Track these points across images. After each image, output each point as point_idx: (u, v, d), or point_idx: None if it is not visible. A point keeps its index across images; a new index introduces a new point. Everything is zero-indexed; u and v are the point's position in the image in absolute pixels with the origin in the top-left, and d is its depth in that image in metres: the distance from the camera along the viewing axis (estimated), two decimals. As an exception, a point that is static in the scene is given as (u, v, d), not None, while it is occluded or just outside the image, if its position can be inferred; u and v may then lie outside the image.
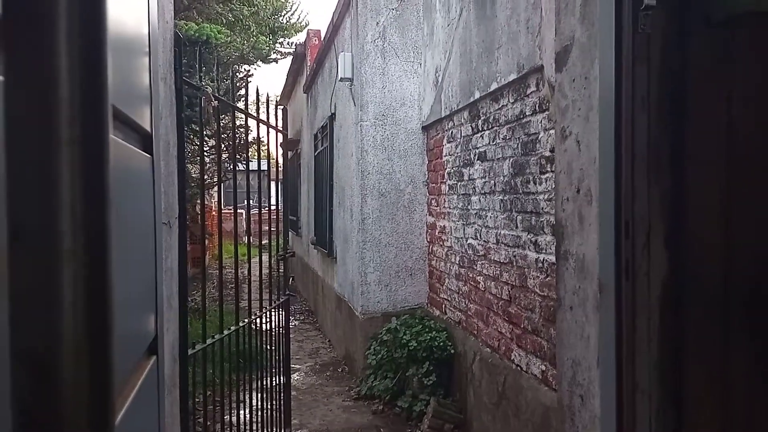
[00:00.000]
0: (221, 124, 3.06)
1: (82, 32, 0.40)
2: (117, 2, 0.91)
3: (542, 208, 3.19)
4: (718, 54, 1.96)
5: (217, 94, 2.85)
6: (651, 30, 1.81)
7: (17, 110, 0.38)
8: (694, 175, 1.91)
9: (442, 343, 4.67)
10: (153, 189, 1.31)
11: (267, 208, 3.89)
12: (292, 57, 11.64)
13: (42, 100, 0.38)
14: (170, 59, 2.34)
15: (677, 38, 1.91)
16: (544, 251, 3.15)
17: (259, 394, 3.38)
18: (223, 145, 5.70)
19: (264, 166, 4.22)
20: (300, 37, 15.53)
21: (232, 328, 2.90)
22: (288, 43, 16.59)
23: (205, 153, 6.91)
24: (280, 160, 4.27)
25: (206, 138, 6.97)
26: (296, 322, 8.76)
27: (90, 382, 0.39)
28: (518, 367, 3.47)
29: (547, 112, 3.17)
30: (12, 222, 0.37)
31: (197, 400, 3.19)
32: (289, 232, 12.53)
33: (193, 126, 6.18)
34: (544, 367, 3.13)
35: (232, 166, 5.31)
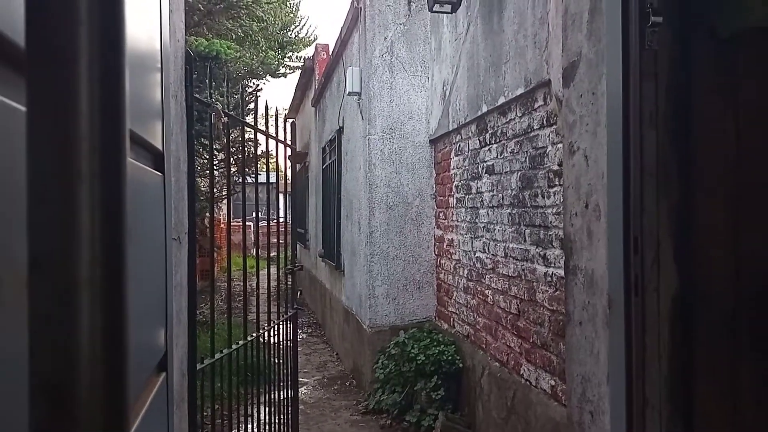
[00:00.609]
0: (231, 138, 3.09)
1: (102, 64, 0.42)
2: (132, 22, 0.93)
3: (551, 222, 3.19)
4: (725, 69, 1.97)
5: (226, 110, 2.88)
6: (658, 46, 1.82)
7: (39, 141, 0.39)
8: (703, 190, 1.91)
9: (450, 357, 4.65)
10: (164, 206, 1.33)
11: (275, 221, 3.91)
12: (300, 71, 11.74)
13: (62, 131, 0.39)
14: (181, 76, 2.37)
15: (684, 54, 1.91)
16: (552, 265, 3.14)
17: (267, 408, 3.37)
18: (232, 159, 5.75)
19: (273, 179, 4.24)
20: (308, 52, 15.67)
21: (241, 342, 2.91)
22: (296, 58, 16.74)
23: (215, 167, 6.97)
24: (289, 174, 4.30)
25: (216, 152, 7.02)
26: (304, 335, 8.75)
27: (106, 408, 0.39)
28: (527, 382, 3.45)
29: (554, 126, 3.18)
30: (32, 251, 0.39)
31: (205, 414, 3.19)
32: (298, 245, 12.56)
33: (202, 140, 6.23)
34: (553, 382, 3.11)
35: (240, 180, 5.34)
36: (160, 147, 1.28)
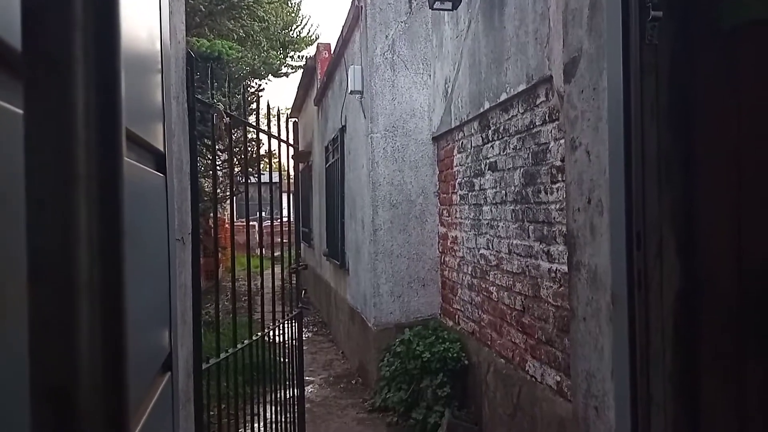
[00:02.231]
0: (233, 138, 3.10)
1: (98, 66, 0.42)
2: (131, 25, 0.94)
3: (554, 218, 3.18)
4: (726, 63, 1.96)
5: (228, 110, 2.89)
6: (658, 41, 1.81)
7: (36, 144, 0.39)
8: (705, 185, 1.90)
9: (455, 354, 4.65)
10: (166, 207, 1.34)
11: (279, 220, 3.91)
12: (302, 70, 11.75)
13: (59, 134, 0.40)
14: (182, 78, 2.37)
15: (685, 48, 1.91)
16: (556, 261, 3.14)
17: (273, 407, 3.38)
18: (235, 159, 5.76)
19: (276, 179, 4.25)
20: (310, 51, 15.67)
21: (246, 342, 2.92)
22: (298, 57, 16.74)
23: (218, 167, 6.98)
24: (292, 173, 4.30)
25: (219, 152, 7.04)
26: (309, 334, 8.76)
27: (106, 412, 0.40)
28: (533, 378, 3.45)
29: (557, 122, 3.17)
30: (31, 254, 0.39)
31: (212, 413, 3.20)
32: (302, 244, 12.56)
33: (205, 141, 6.25)
34: (558, 378, 3.11)
35: (243, 180, 5.36)
36: (161, 148, 1.29)
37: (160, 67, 1.31)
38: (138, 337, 0.87)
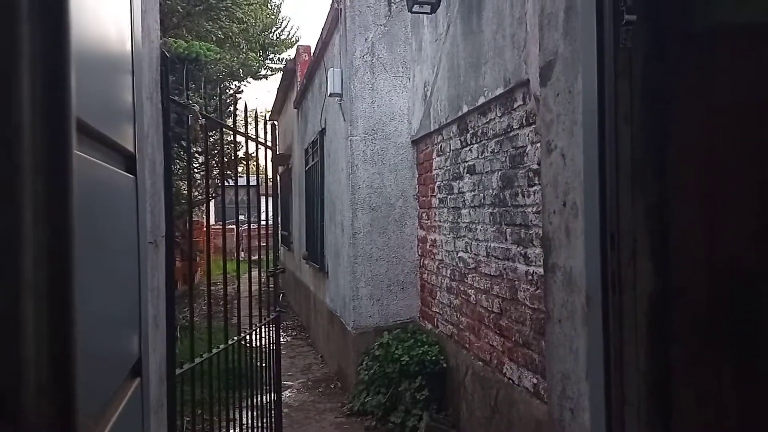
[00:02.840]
0: (211, 141, 3.06)
1: (45, 60, 0.40)
2: (97, 24, 0.91)
3: (531, 221, 3.20)
4: (700, 66, 1.99)
5: (204, 112, 2.85)
6: (632, 44, 1.83)
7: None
8: (679, 187, 1.93)
9: (434, 357, 4.65)
10: (137, 209, 1.31)
11: (258, 224, 3.88)
12: (282, 73, 11.69)
13: (2, 126, 0.38)
14: (156, 78, 2.34)
15: (659, 52, 1.93)
16: (533, 263, 3.15)
17: (250, 412, 3.34)
18: (213, 162, 5.70)
19: (256, 182, 4.22)
20: (290, 53, 15.61)
21: (221, 346, 2.88)
22: (278, 59, 16.67)
23: (195, 170, 6.90)
24: (270, 175, 4.26)
25: (196, 155, 6.96)
26: (288, 338, 8.70)
27: (51, 418, 0.38)
28: (510, 381, 3.46)
29: (534, 126, 3.19)
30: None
31: (188, 419, 3.15)
32: (281, 248, 12.48)
33: (183, 143, 6.17)
34: (535, 380, 3.12)
35: (224, 183, 5.30)
36: (131, 149, 1.26)
37: (130, 66, 1.28)
38: (100, 341, 0.85)
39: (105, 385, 0.92)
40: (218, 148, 4.75)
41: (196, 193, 6.86)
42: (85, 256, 0.76)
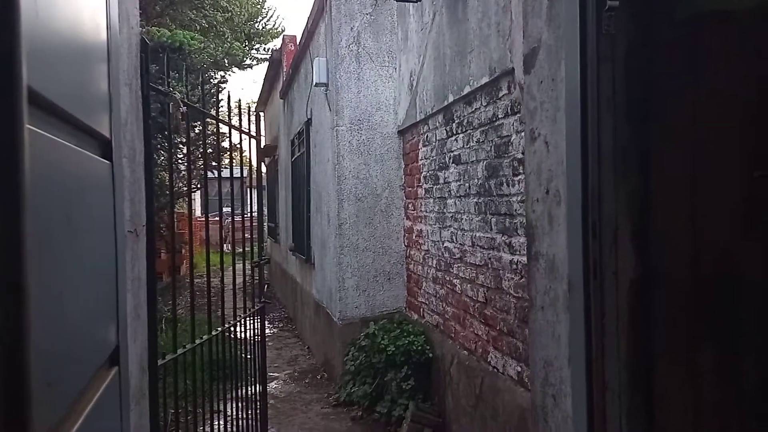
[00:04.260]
0: (196, 131, 3.02)
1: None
2: (70, 9, 0.89)
3: (516, 210, 3.21)
4: (683, 53, 1.99)
5: (186, 100, 2.81)
6: (615, 31, 1.83)
7: None
8: (661, 174, 1.93)
9: (420, 347, 4.66)
10: (113, 196, 1.28)
11: (243, 216, 3.85)
12: (268, 63, 11.59)
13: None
14: (136, 65, 2.30)
15: (642, 38, 1.93)
16: (518, 252, 3.16)
17: (236, 404, 3.33)
18: (198, 153, 5.64)
19: (240, 173, 4.18)
20: (276, 43, 15.49)
21: (204, 337, 2.86)
22: (264, 49, 16.53)
23: (180, 161, 6.83)
24: (255, 166, 4.23)
25: (181, 145, 6.88)
26: (275, 330, 8.69)
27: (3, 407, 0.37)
28: (495, 369, 3.48)
29: (518, 115, 3.19)
30: None
31: (172, 411, 3.13)
32: (268, 239, 12.42)
33: (167, 133, 6.10)
34: (519, 369, 3.14)
35: (210, 173, 5.25)
36: (107, 134, 1.23)
37: (106, 52, 1.25)
38: (69, 330, 0.83)
39: (77, 374, 0.90)
40: (202, 138, 4.70)
41: (181, 184, 6.79)
42: (50, 240, 0.74)
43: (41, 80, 0.69)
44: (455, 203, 4.21)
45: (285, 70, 9.90)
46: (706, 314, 2.04)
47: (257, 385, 3.83)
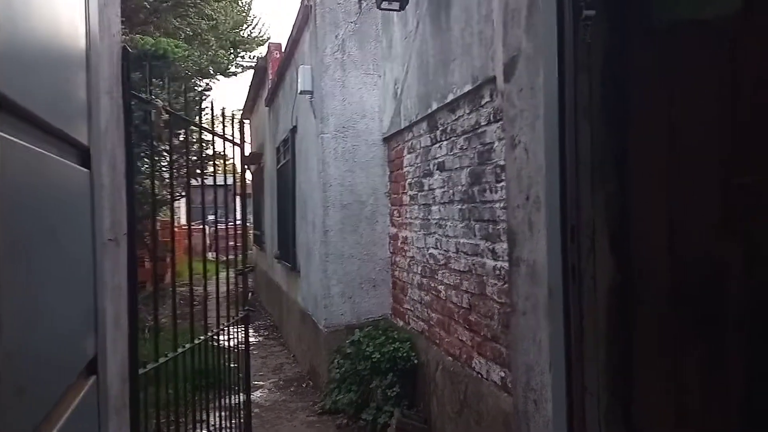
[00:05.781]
0: (179, 139, 3.01)
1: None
2: (47, 17, 0.89)
3: (498, 216, 3.23)
4: (660, 60, 2.03)
5: (169, 108, 2.81)
6: (592, 39, 1.86)
7: None
8: (639, 179, 1.96)
9: (405, 354, 4.66)
10: (91, 204, 1.28)
11: (226, 224, 3.84)
12: (253, 71, 11.59)
13: None
14: (117, 73, 2.29)
15: (619, 47, 1.96)
16: (501, 258, 3.18)
17: (219, 413, 3.30)
18: (183, 161, 5.62)
19: (224, 182, 4.17)
20: (261, 51, 15.48)
21: (187, 345, 2.84)
22: (249, 57, 16.51)
23: (164, 168, 6.79)
24: (240, 173, 4.22)
25: (164, 153, 6.85)
26: (260, 338, 8.64)
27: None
28: (479, 375, 3.49)
29: (500, 122, 3.22)
30: None
31: (155, 420, 3.10)
32: (254, 247, 12.35)
33: (152, 143, 6.06)
34: (503, 374, 3.15)
35: (196, 182, 5.22)
36: (85, 142, 1.23)
37: (84, 60, 1.25)
38: (46, 339, 0.83)
39: (51, 382, 0.90)
40: (185, 146, 4.69)
41: (165, 192, 6.75)
42: (23, 247, 0.74)
43: (13, 87, 0.69)
44: (440, 210, 4.23)
45: (270, 77, 9.90)
46: (685, 317, 2.07)
47: (241, 394, 3.81)
